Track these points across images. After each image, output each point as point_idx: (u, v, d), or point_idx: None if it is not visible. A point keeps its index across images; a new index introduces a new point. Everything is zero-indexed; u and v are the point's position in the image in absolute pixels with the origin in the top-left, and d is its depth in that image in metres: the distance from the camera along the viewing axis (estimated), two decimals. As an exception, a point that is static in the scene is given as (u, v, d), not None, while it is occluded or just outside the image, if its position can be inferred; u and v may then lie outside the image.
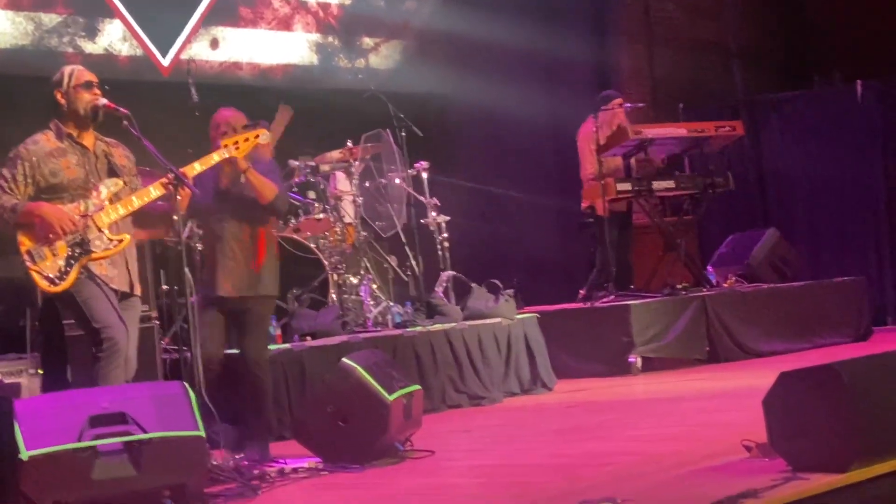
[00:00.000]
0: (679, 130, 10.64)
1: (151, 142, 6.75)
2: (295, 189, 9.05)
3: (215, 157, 6.49)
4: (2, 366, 7.01)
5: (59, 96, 6.19)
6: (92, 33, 9.88)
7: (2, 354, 7.25)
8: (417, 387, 6.70)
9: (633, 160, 10.54)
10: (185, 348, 6.69)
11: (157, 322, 7.55)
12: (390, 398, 6.21)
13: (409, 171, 9.59)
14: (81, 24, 9.83)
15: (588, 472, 5.44)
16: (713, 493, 4.34)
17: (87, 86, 6.19)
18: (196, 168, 6.39)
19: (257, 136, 6.66)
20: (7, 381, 6.73)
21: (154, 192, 6.20)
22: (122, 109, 6.17)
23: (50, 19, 9.66)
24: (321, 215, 8.96)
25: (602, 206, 10.21)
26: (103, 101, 6.19)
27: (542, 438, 6.88)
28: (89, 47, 9.85)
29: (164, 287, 8.00)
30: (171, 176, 6.12)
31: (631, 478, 5.16)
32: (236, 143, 6.57)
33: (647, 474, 5.22)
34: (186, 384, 5.65)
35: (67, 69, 6.24)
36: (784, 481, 4.55)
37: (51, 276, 5.96)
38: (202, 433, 5.44)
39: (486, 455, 6.48)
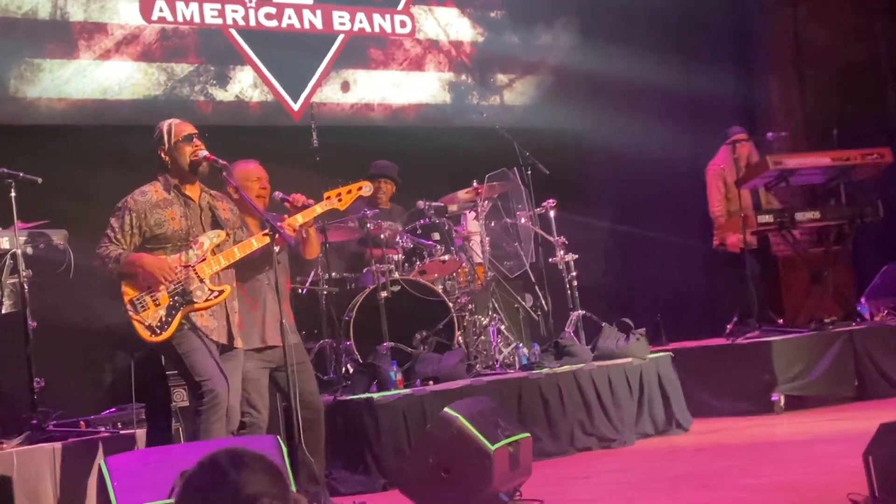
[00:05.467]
0: (822, 159, 10.24)
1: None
2: (419, 231, 9.01)
3: (318, 209, 6.49)
4: (120, 416, 7.10)
5: (162, 154, 6.25)
6: (223, 81, 10.00)
7: (121, 405, 7.35)
8: (526, 434, 6.52)
9: (772, 191, 10.23)
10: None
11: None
12: (493, 447, 6.06)
13: (537, 209, 9.45)
14: (213, 72, 9.96)
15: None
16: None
17: (188, 139, 6.22)
18: (298, 220, 6.40)
19: (360, 189, 6.62)
20: (123, 431, 6.79)
21: (255, 243, 6.23)
22: (220, 161, 6.21)
23: (182, 69, 9.80)
24: (446, 257, 8.88)
25: (740, 241, 9.96)
26: (204, 153, 6.21)
27: (655, 486, 6.64)
28: (220, 95, 9.98)
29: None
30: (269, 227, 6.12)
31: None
32: (339, 194, 6.54)
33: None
34: (279, 438, 5.63)
35: (165, 125, 6.28)
36: (881, 542, 4.29)
37: (152, 325, 6.00)
38: (293, 488, 5.40)
39: (593, 506, 6.30)
